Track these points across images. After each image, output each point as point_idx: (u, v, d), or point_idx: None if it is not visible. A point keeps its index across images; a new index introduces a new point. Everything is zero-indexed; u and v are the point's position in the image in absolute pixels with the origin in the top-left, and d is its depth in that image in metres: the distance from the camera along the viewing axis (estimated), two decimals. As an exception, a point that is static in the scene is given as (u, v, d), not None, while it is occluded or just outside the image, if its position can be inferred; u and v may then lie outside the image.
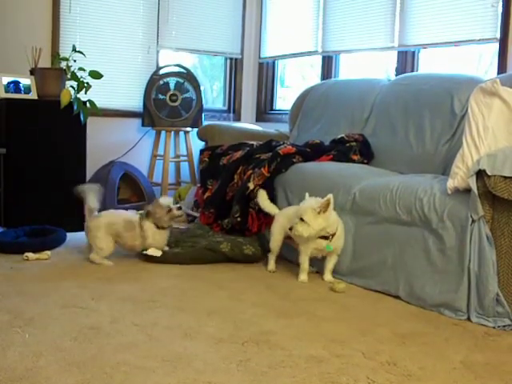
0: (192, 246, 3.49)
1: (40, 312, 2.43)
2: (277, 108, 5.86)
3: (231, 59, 5.90)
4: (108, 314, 2.44)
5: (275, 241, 3.30)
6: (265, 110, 5.88)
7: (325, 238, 3.04)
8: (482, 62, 4.33)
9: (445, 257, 2.64)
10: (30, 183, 3.98)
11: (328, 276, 3.12)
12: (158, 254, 3.30)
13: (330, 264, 3.12)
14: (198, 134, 4.83)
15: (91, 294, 2.72)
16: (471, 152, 2.62)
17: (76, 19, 4.90)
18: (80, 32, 4.93)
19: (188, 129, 5.28)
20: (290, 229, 3.00)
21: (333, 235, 3.05)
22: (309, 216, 2.95)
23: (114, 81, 5.10)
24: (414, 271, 2.77)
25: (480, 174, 2.48)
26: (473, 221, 2.52)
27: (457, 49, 4.26)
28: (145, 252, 3.33)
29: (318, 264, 3.21)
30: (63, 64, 4.17)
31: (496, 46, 3.89)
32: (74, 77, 4.07)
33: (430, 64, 4.53)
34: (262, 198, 3.46)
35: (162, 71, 5.27)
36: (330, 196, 2.96)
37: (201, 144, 4.87)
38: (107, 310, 2.49)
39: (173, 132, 5.29)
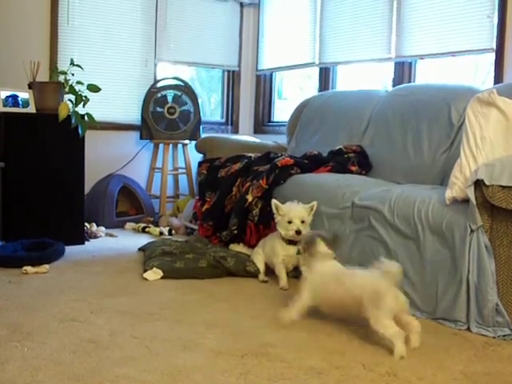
0: (194, 260, 3.42)
1: (39, 326, 2.42)
2: (275, 120, 5.87)
3: (229, 71, 5.93)
4: (107, 328, 2.43)
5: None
6: (263, 121, 5.89)
7: (294, 243, 3.16)
8: (478, 72, 4.35)
9: (443, 267, 2.63)
10: (29, 197, 3.97)
11: None
12: (157, 276, 3.26)
13: None
14: (196, 146, 4.84)
15: (90, 307, 2.71)
16: (469, 162, 2.63)
17: (74, 33, 4.93)
18: (78, 46, 4.96)
19: (186, 141, 5.29)
20: None
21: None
22: None
23: (111, 94, 5.12)
24: (412, 281, 2.76)
25: (478, 184, 2.48)
26: (471, 231, 2.52)
27: (453, 59, 4.28)
28: (144, 275, 3.28)
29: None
30: (61, 78, 4.17)
31: (492, 56, 3.91)
32: (72, 90, 4.08)
33: (427, 75, 4.55)
34: None
35: (159, 84, 5.29)
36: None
37: (199, 156, 4.87)
38: (106, 324, 2.48)
39: (171, 145, 5.30)
